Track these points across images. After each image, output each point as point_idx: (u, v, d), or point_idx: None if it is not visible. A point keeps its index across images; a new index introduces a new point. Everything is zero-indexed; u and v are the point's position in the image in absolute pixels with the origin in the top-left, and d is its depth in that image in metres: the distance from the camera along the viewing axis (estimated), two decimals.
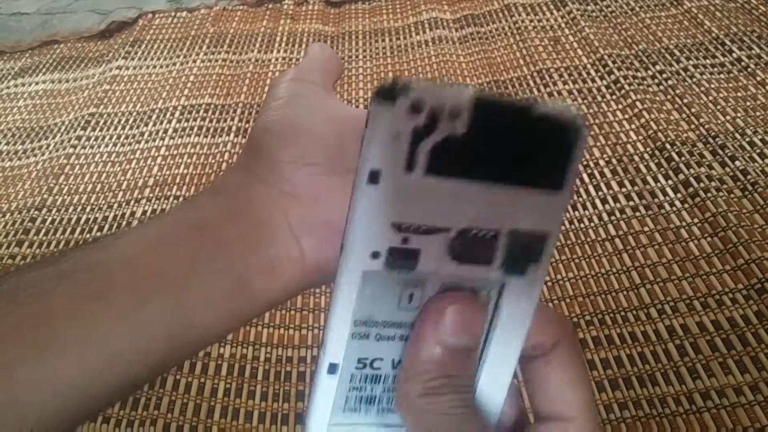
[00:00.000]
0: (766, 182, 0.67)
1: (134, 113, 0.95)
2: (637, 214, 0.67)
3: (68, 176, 0.85)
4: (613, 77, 0.85)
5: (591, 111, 0.81)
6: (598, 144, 0.76)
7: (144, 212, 0.77)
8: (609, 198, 0.69)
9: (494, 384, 0.17)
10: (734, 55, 0.86)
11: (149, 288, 0.18)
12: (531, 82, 0.88)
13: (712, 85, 0.81)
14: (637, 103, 0.79)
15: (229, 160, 0.83)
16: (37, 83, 1.08)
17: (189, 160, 0.84)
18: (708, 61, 0.85)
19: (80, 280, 0.17)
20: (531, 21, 1.01)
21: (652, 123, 0.76)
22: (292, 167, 0.20)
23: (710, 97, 0.79)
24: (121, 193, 0.81)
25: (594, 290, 0.60)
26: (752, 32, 0.89)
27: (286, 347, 0.60)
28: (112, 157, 0.87)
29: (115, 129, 0.92)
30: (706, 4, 0.96)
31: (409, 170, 0.14)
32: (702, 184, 0.67)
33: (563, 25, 0.99)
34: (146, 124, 0.92)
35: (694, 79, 0.83)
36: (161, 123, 0.92)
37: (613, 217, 0.67)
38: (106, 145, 0.90)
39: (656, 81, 0.84)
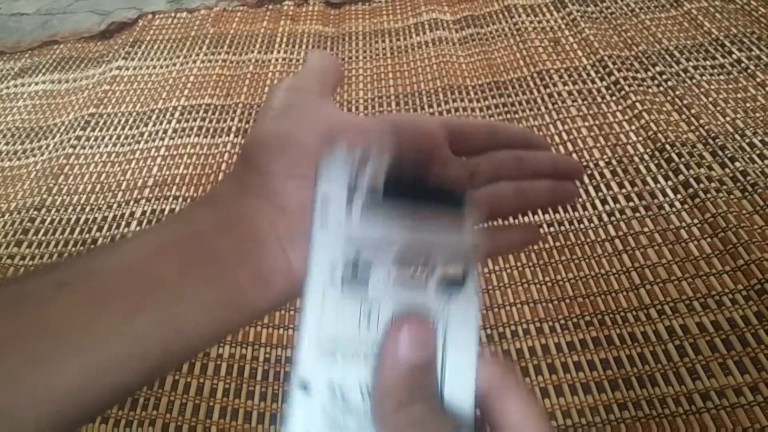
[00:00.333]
0: (766, 183, 0.67)
1: (134, 113, 0.95)
2: (637, 214, 0.67)
3: (68, 176, 0.85)
4: (613, 78, 0.85)
5: (591, 112, 0.81)
6: (598, 145, 0.76)
7: (144, 212, 0.77)
8: (609, 199, 0.69)
9: (460, 390, 0.20)
10: (734, 56, 0.86)
11: (144, 297, 0.18)
12: (531, 83, 0.88)
13: (712, 87, 0.81)
14: (637, 104, 0.79)
15: (229, 161, 0.83)
16: (36, 83, 1.08)
17: (189, 161, 0.84)
18: (708, 63, 0.86)
19: (78, 289, 0.18)
20: (531, 22, 1.01)
21: (652, 124, 0.76)
22: (282, 179, 0.21)
23: (710, 99, 0.79)
24: (120, 194, 0.81)
25: (594, 291, 0.60)
26: (752, 34, 0.89)
27: (285, 347, 0.60)
28: (111, 157, 0.87)
29: (115, 129, 0.93)
30: (706, 6, 0.97)
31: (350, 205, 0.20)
32: (702, 185, 0.67)
33: (563, 26, 0.99)
34: (146, 125, 0.92)
35: (694, 81, 0.83)
36: (161, 123, 0.92)
37: (612, 218, 0.67)
38: (106, 146, 0.90)
39: (656, 82, 0.84)
